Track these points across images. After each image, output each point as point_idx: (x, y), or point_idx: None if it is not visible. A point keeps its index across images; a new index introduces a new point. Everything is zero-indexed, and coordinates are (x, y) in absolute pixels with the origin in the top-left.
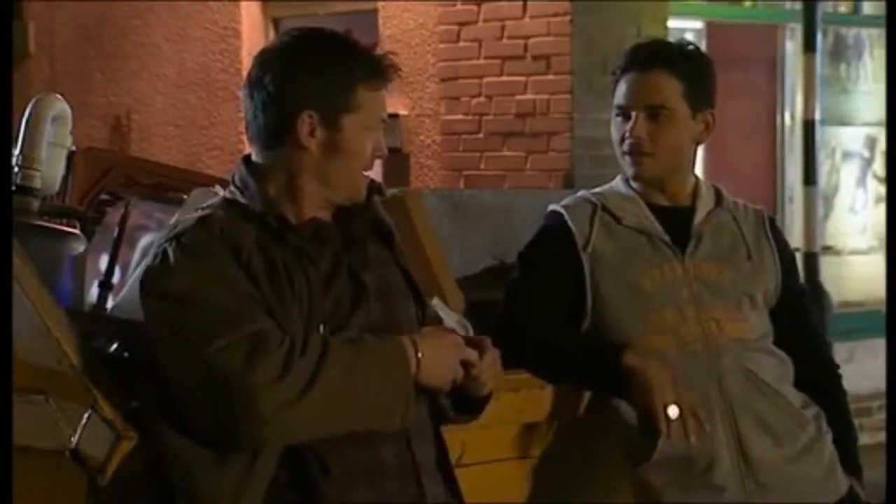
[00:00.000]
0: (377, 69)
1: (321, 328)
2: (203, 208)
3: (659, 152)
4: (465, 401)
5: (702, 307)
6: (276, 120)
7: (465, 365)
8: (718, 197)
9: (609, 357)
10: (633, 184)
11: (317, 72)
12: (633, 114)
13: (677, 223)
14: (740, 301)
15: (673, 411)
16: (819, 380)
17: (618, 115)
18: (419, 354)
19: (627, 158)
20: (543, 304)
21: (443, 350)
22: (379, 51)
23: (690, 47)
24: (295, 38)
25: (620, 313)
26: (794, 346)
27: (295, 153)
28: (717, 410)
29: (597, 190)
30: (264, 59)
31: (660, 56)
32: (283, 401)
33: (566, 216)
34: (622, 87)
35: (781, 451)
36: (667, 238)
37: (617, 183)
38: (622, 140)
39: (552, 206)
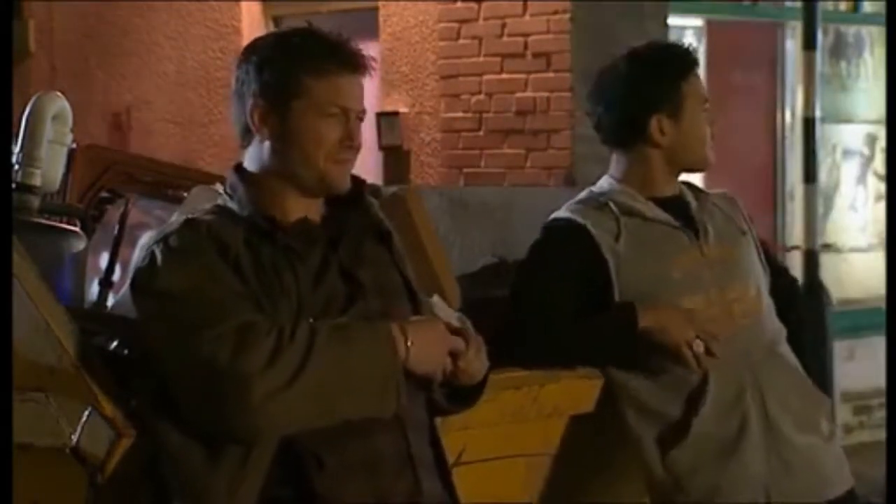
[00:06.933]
0: (325, 54)
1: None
2: (193, 213)
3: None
4: (458, 391)
5: (722, 289)
6: (238, 113)
7: (453, 355)
8: (689, 185)
9: (625, 327)
10: (622, 182)
11: (265, 61)
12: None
13: (678, 212)
14: (750, 278)
15: (699, 346)
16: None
17: (705, 111)
18: (408, 343)
19: (711, 150)
20: (555, 303)
21: (431, 339)
22: (335, 39)
23: None
24: (262, 36)
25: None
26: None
27: (261, 148)
28: (748, 386)
29: (594, 190)
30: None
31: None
32: (274, 388)
33: (586, 223)
34: (693, 87)
35: (803, 436)
36: (679, 224)
37: (607, 183)
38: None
39: (560, 214)
